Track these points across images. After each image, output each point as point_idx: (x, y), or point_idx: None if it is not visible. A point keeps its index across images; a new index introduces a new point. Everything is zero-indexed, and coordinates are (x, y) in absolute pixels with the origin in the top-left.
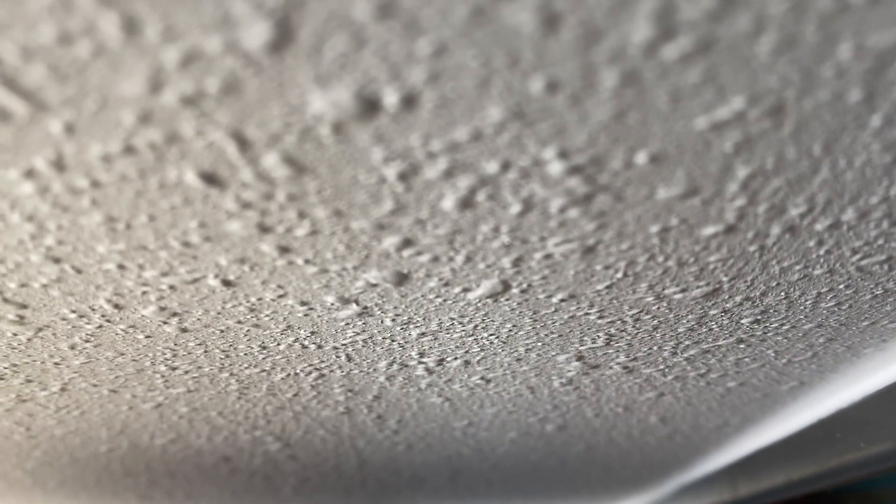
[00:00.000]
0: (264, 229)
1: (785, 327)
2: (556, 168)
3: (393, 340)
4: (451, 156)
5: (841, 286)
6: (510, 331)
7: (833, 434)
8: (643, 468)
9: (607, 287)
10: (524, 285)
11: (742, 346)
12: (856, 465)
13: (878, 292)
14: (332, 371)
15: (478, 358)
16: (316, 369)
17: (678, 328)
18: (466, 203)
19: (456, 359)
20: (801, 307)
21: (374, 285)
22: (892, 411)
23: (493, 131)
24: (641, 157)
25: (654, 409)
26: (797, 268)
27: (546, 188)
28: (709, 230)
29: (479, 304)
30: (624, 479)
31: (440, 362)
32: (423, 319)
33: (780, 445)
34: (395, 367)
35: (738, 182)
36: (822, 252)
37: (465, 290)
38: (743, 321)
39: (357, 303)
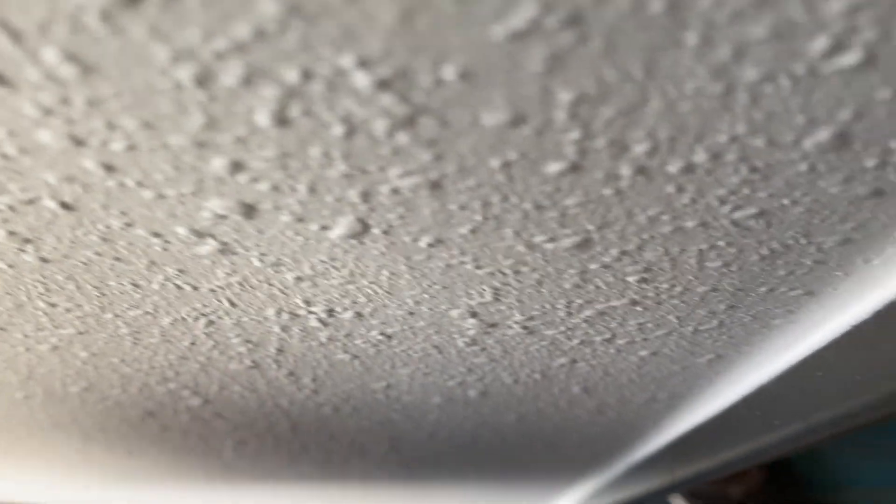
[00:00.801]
0: (78, 142)
1: (677, 289)
2: (361, 81)
3: (270, 285)
4: (242, 59)
5: (721, 243)
6: (390, 279)
7: (754, 412)
8: (584, 446)
9: (472, 231)
10: (384, 225)
11: (638, 308)
12: (772, 445)
13: (764, 253)
14: (219, 318)
15: (368, 309)
16: (202, 314)
17: (563, 284)
18: (282, 119)
19: (346, 309)
20: (686, 266)
21: (223, 217)
22: (802, 388)
23: (277, 28)
24: (449, 73)
25: (572, 378)
26: (665, 218)
27: (361, 106)
28: (553, 167)
29: (346, 247)
30: (568, 458)
31: (330, 313)
32: (293, 262)
33: (709, 424)
34: (286, 316)
35: (564, 109)
36: (686, 200)
37: (324, 227)
38: (629, 279)
39: (213, 237)
